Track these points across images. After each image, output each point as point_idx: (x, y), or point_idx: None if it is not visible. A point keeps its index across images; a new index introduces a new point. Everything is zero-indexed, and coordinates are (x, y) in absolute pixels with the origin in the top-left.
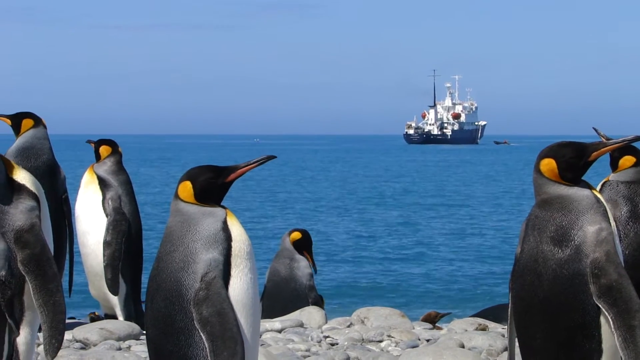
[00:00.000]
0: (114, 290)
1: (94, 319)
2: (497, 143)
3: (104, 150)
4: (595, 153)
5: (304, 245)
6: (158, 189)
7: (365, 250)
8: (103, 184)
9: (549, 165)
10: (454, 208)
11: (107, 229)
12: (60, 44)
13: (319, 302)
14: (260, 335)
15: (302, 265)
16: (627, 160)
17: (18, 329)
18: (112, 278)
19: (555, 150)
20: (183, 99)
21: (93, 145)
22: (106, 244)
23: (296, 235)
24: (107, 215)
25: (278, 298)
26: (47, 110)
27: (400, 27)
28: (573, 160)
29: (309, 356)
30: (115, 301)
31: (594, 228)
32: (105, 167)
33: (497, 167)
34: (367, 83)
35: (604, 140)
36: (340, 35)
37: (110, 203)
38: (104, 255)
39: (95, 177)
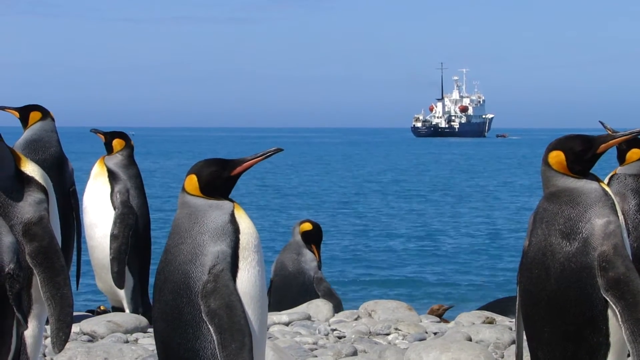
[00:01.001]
0: (120, 284)
1: (100, 313)
2: (498, 136)
3: (117, 143)
4: (603, 145)
5: (312, 238)
6: (168, 181)
7: (373, 243)
8: (112, 176)
9: (557, 157)
10: (461, 201)
11: (115, 222)
12: (69, 37)
13: (329, 292)
14: (268, 328)
15: (309, 258)
16: (635, 153)
17: (26, 322)
18: (119, 271)
19: (563, 142)
20: (193, 91)
21: (101, 136)
22: (113, 237)
23: (307, 226)
24: (115, 208)
25: (287, 293)
26: (56, 102)
27: (408, 21)
28: (581, 152)
29: (316, 349)
30: (122, 294)
31: (602, 221)
32: (116, 160)
33: (501, 160)
34: (375, 76)
35: (611, 133)
36: (349, 28)
37: (118, 196)
38: (110, 249)
39: (105, 169)
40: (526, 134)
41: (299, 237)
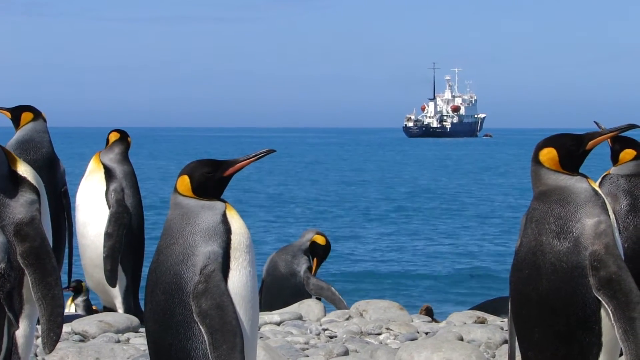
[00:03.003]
0: (112, 282)
1: (92, 313)
2: (485, 136)
3: (112, 136)
4: (591, 142)
5: (319, 252)
6: (160, 181)
7: (364, 243)
8: (108, 174)
9: (549, 154)
10: (453, 201)
11: (109, 221)
12: (62, 38)
13: (318, 285)
14: (259, 328)
15: (302, 261)
16: (628, 153)
17: (17, 322)
18: (111, 270)
19: (554, 139)
20: (187, 91)
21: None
22: (107, 235)
23: (321, 239)
24: (109, 207)
25: (279, 294)
26: (50, 102)
27: (401, 20)
28: (573, 148)
29: (307, 349)
30: (115, 293)
31: (593, 220)
32: (112, 156)
33: (494, 161)
34: (368, 75)
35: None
36: (342, 28)
37: (113, 195)
38: (104, 247)
39: (101, 166)
40: (521, 134)
41: (305, 243)
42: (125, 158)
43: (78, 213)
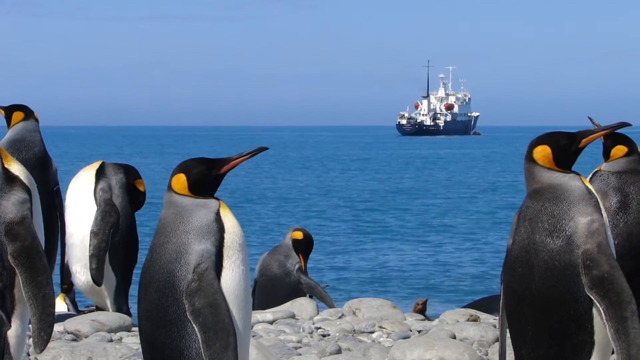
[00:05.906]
0: (98, 281)
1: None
2: (474, 134)
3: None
4: (584, 140)
5: (301, 247)
6: (152, 180)
7: (357, 241)
8: (98, 173)
9: (543, 152)
10: (445, 199)
11: (96, 219)
12: (55, 37)
13: (309, 285)
14: (252, 327)
15: (295, 261)
16: (619, 150)
17: (9, 321)
18: (97, 268)
19: (547, 137)
20: (180, 90)
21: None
22: (93, 234)
23: (297, 234)
24: (97, 206)
25: (274, 294)
26: (41, 102)
27: (395, 18)
28: (566, 146)
29: (300, 347)
30: (104, 293)
31: (586, 219)
32: (114, 165)
33: (485, 158)
34: (360, 74)
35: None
36: (335, 26)
37: (101, 193)
38: (89, 246)
39: (94, 166)
40: (497, 133)
41: (289, 242)
42: (121, 168)
43: (67, 212)
